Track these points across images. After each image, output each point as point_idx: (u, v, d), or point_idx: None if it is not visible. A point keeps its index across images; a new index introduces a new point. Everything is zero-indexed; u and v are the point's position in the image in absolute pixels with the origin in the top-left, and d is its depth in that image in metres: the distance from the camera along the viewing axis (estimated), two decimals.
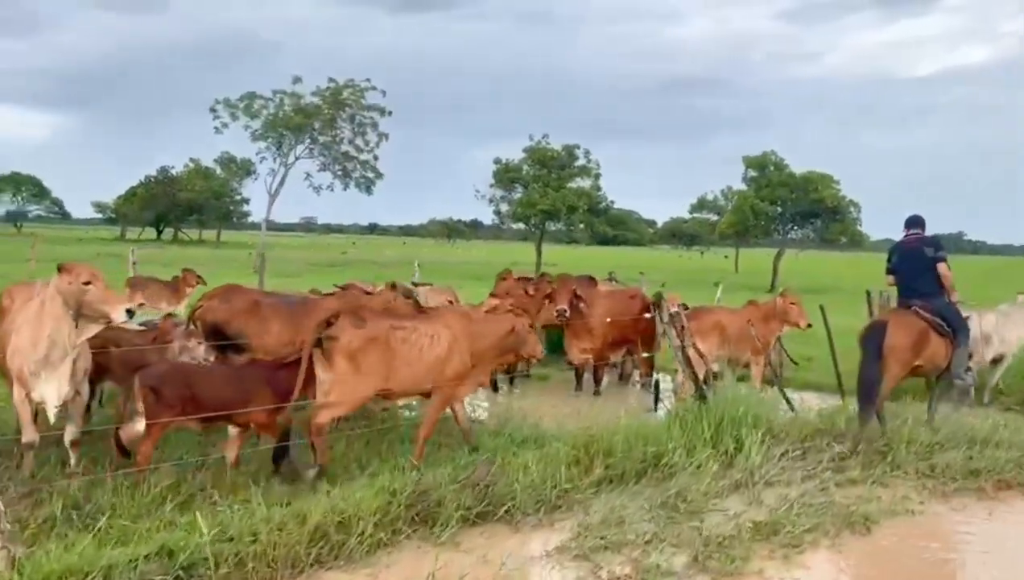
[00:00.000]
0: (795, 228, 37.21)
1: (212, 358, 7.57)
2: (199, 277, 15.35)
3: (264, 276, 19.10)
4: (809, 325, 10.84)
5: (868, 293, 11.74)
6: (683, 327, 8.82)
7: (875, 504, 6.75)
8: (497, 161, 36.43)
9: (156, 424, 6.09)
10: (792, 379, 12.88)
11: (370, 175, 38.34)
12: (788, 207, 35.76)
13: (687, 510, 6.41)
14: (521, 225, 37.15)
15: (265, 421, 6.45)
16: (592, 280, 11.83)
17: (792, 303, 10.82)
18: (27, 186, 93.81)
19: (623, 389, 12.11)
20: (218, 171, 73.47)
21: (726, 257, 54.03)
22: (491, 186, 36.35)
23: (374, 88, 37.19)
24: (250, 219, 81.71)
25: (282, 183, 36.36)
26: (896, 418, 8.92)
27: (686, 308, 12.17)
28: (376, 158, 37.54)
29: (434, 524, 5.77)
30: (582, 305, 10.74)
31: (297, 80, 36.40)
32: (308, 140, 37.92)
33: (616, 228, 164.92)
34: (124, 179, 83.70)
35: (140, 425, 6.15)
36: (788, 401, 9.80)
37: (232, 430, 6.57)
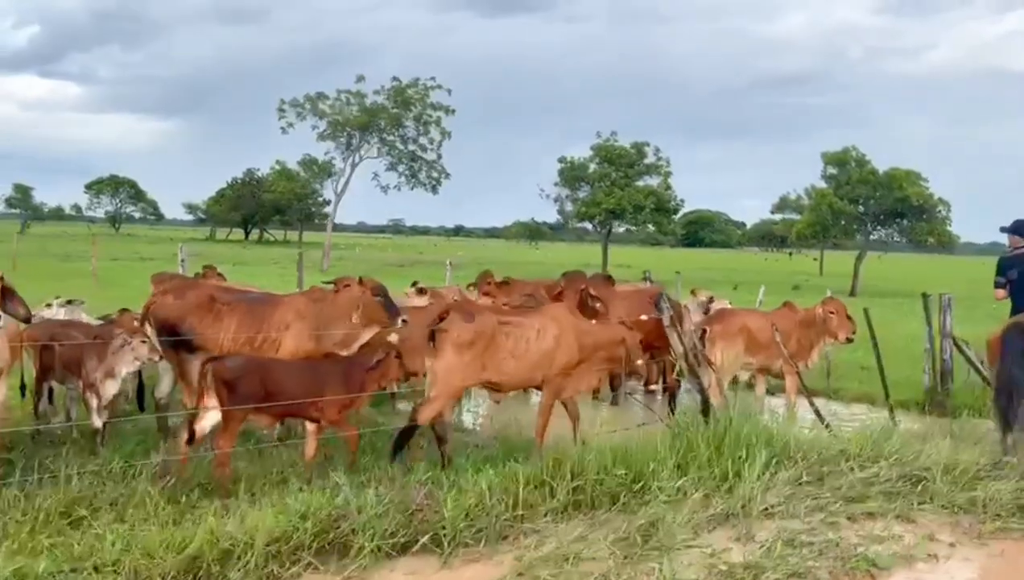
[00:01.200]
0: (879, 228, 35.02)
1: (157, 358, 7.01)
2: (219, 274, 15.00)
3: (303, 274, 18.66)
4: (850, 339, 9.74)
5: (924, 296, 10.47)
6: (702, 332, 7.92)
7: (891, 544, 5.66)
8: (562, 160, 35.56)
9: (233, 419, 6.08)
10: (844, 390, 11.70)
11: (435, 174, 37.90)
12: (871, 206, 33.64)
13: (657, 545, 5.47)
14: (587, 225, 36.04)
15: (336, 417, 6.45)
16: (608, 279, 10.89)
17: (832, 313, 9.71)
18: (125, 188, 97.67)
19: (649, 399, 11.13)
20: (301, 173, 74.71)
21: (815, 259, 51.58)
22: (555, 185, 35.44)
23: (439, 87, 36.82)
24: (324, 220, 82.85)
25: (347, 183, 36.33)
26: (937, 437, 7.76)
27: (706, 311, 11.18)
28: (439, 157, 37.10)
29: (347, 555, 5.01)
30: (598, 305, 9.81)
31: (360, 79, 36.32)
32: (376, 139, 37.78)
33: (703, 229, 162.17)
34: (217, 181, 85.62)
35: (212, 418, 6.20)
36: (820, 416, 8.67)
37: (308, 425, 6.59)
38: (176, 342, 7.23)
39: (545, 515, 5.79)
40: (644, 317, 8.51)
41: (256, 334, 7.29)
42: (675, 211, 36.53)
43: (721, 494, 6.28)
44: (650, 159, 35.48)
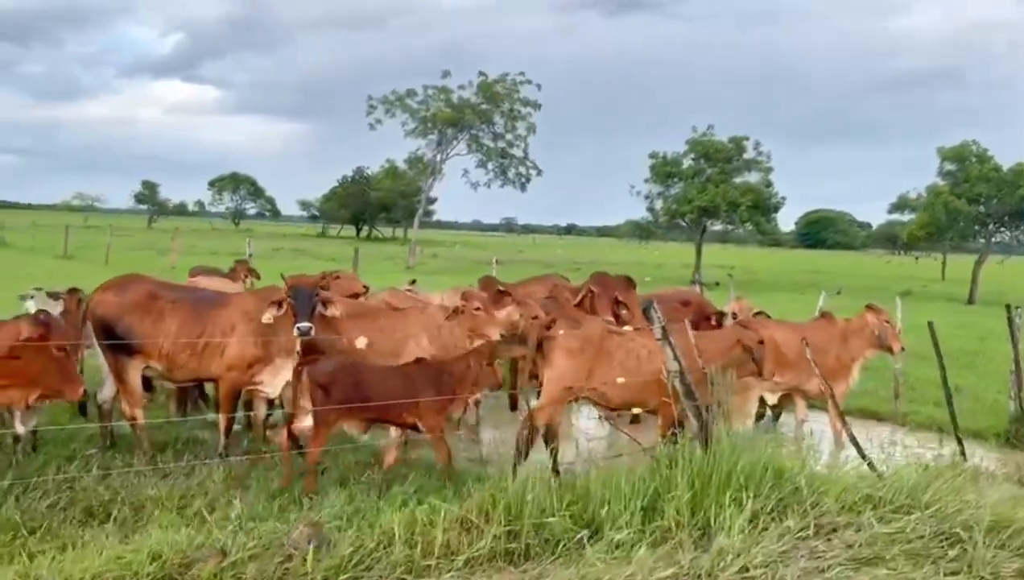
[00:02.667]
0: (1002, 230, 31.86)
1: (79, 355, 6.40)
2: (251, 269, 14.58)
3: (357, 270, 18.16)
4: (902, 348, 8.40)
5: (1009, 308, 8.88)
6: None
7: None
8: (654, 155, 33.95)
9: (325, 421, 6.10)
10: (915, 415, 10.15)
11: (524, 171, 37.04)
12: (992, 206, 30.59)
13: None
14: (680, 222, 34.31)
15: (432, 422, 6.31)
16: (629, 281, 9.73)
17: (886, 321, 8.37)
18: (245, 186, 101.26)
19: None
20: (407, 171, 75.31)
21: (941, 262, 47.43)
22: (646, 181, 33.89)
23: (529, 81, 35.91)
24: (435, 218, 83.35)
25: (432, 181, 35.91)
26: (1007, 480, 6.33)
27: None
28: (526, 154, 36.18)
29: None
30: (624, 312, 8.73)
31: (446, 74, 35.81)
32: (467, 136, 37.26)
33: (825, 230, 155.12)
34: (334, 180, 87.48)
35: (309, 421, 6.23)
36: (858, 446, 7.32)
37: (393, 431, 6.65)
38: (113, 343, 6.62)
39: (465, 564, 4.83)
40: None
41: (199, 337, 6.59)
42: (776, 209, 34.32)
43: (692, 548, 5.15)
44: (750, 154, 33.52)
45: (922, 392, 10.98)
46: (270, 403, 7.39)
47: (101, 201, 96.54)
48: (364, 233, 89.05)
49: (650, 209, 34.55)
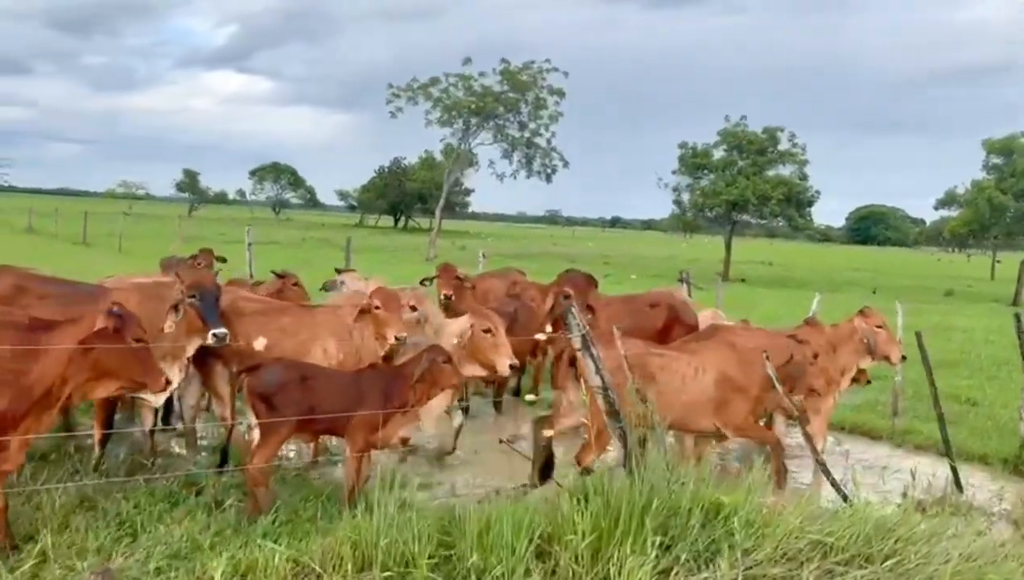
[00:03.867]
0: None
1: None
2: (220, 258, 13.90)
3: (350, 258, 17.35)
4: (903, 357, 7.39)
5: (1018, 318, 7.76)
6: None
7: None
8: (683, 145, 32.65)
9: (271, 436, 5.45)
10: (916, 435, 8.98)
11: (550, 162, 36.01)
12: None
13: None
14: (708, 215, 32.97)
15: (363, 439, 5.54)
16: (590, 280, 8.77)
17: (879, 326, 7.37)
18: (285, 175, 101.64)
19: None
20: (443, 162, 74.78)
21: (999, 261, 45.02)
22: (674, 173, 32.61)
23: (555, 69, 34.83)
24: (470, 209, 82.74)
25: (449, 171, 35.07)
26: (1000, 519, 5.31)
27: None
28: (549, 142, 35.10)
29: None
30: (590, 317, 7.81)
31: (467, 61, 34.89)
32: (492, 125, 36.35)
33: (875, 226, 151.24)
34: (371, 170, 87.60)
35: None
36: (830, 476, 6.31)
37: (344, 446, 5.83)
38: None
39: None
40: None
41: None
42: (810, 203, 32.77)
43: None
44: (784, 145, 32.05)
45: (926, 407, 9.82)
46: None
47: (145, 189, 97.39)
48: (401, 223, 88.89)
49: (677, 202, 33.30)
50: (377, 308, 6.74)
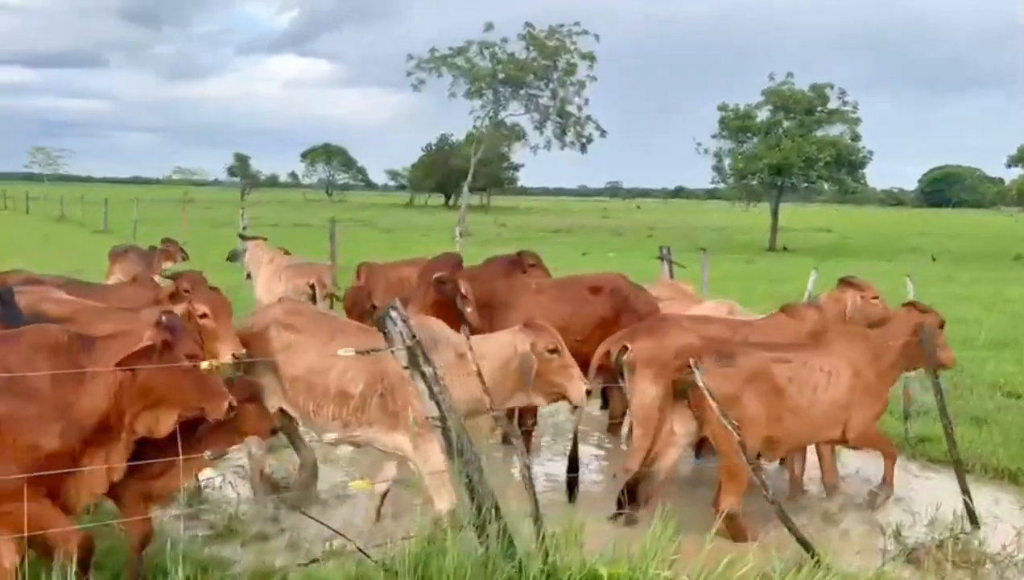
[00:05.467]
0: None
1: None
2: (180, 250, 12.69)
3: (335, 246, 16.00)
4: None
5: None
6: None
7: None
8: (723, 107, 30.39)
9: None
10: (933, 442, 7.15)
11: (585, 132, 34.09)
12: None
13: None
14: (751, 181, 30.66)
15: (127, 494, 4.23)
16: (515, 263, 7.15)
17: (874, 298, 6.01)
18: (337, 157, 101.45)
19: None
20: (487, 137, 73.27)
21: None
22: (713, 137, 30.41)
23: (585, 32, 32.83)
24: (519, 184, 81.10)
25: (479, 143, 33.56)
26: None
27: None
28: (580, 110, 33.14)
29: None
30: (468, 308, 6.29)
31: (489, 27, 33.05)
32: (524, 95, 34.59)
33: (951, 187, 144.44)
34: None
35: None
36: (789, 523, 4.69)
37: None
38: None
39: None
40: None
41: None
42: (862, 165, 30.20)
43: None
44: (834, 104, 29.58)
45: (964, 405, 7.98)
46: None
47: (200, 175, 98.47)
48: (451, 201, 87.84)
49: (716, 168, 31.09)
50: (203, 316, 5.34)
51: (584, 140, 34.98)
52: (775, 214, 31.10)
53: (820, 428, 5.39)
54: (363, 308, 8.63)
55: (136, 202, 28.44)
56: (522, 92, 34.57)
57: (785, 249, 30.46)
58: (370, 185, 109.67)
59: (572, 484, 5.61)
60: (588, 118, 35.07)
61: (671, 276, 9.01)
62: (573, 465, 5.64)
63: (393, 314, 3.89)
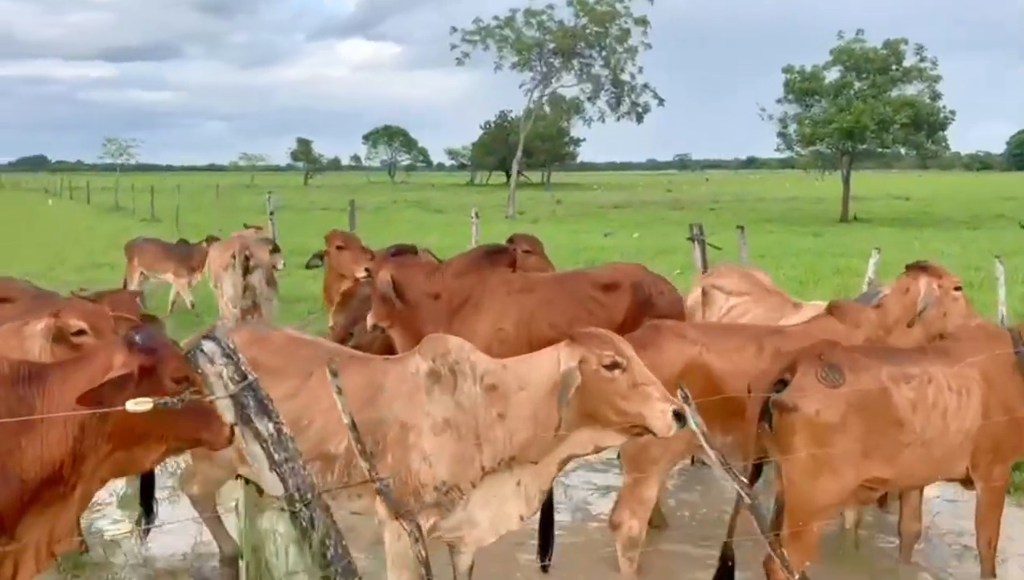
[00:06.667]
0: None
1: None
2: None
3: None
4: None
5: None
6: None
7: None
8: (788, 69, 28.27)
9: None
10: None
11: (641, 100, 32.32)
12: None
13: None
14: (821, 148, 28.51)
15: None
16: (497, 253, 5.77)
17: (956, 289, 4.66)
18: (397, 138, 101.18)
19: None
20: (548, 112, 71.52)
21: None
22: (778, 102, 28.32)
23: None
24: (581, 160, 79.21)
25: (528, 117, 32.23)
26: None
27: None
28: (633, 78, 31.36)
29: None
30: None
31: None
32: (575, 65, 32.98)
33: None
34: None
35: None
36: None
37: None
38: None
39: None
40: None
41: None
42: (942, 126, 27.77)
43: None
44: (910, 61, 27.22)
45: None
46: None
47: (265, 160, 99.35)
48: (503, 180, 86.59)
49: (782, 134, 28.98)
50: (81, 332, 4.18)
51: (640, 109, 33.25)
52: (847, 182, 28.93)
53: (943, 466, 4.04)
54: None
55: (178, 189, 27.97)
56: (573, 62, 32.96)
57: (856, 219, 28.36)
58: (430, 165, 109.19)
59: (545, 545, 4.29)
60: (645, 86, 33.34)
61: (703, 260, 7.55)
62: (547, 518, 4.31)
63: (208, 347, 2.62)
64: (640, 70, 32.70)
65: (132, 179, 64.95)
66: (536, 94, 34.06)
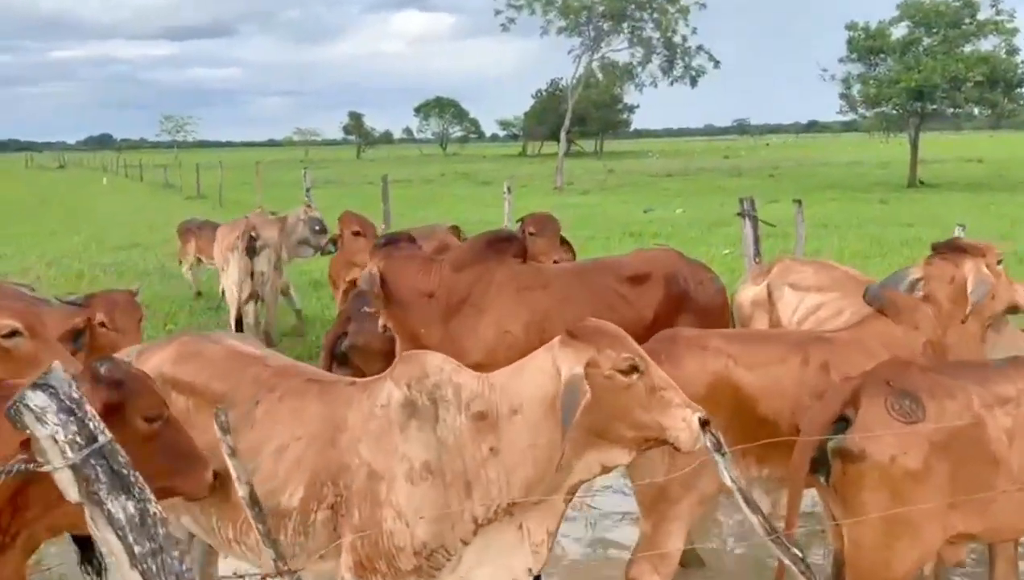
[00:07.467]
0: None
1: None
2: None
3: (388, 206, 14.15)
4: None
5: None
6: None
7: None
8: (851, 26, 26.65)
9: None
10: None
11: (695, 63, 30.98)
12: None
13: None
14: (886, 110, 26.91)
15: None
16: (504, 241, 4.95)
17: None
18: (449, 110, 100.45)
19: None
20: (601, 79, 69.89)
21: None
22: (841, 61, 26.74)
23: None
24: (633, 127, 77.46)
25: (578, 83, 31.26)
26: None
27: None
28: (686, 39, 29.97)
29: None
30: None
31: None
32: (626, 28, 31.76)
33: None
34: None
35: None
36: None
37: None
38: None
39: None
40: None
41: None
42: (1020, 83, 25.88)
43: None
44: (985, 13, 25.39)
45: None
46: None
47: (319, 135, 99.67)
48: (564, 148, 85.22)
49: (844, 96, 27.40)
50: (13, 333, 3.54)
51: (694, 73, 31.92)
52: (914, 145, 27.29)
53: None
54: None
55: (220, 165, 27.70)
56: (623, 25, 31.74)
57: (922, 184, 26.77)
58: (483, 137, 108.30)
59: None
60: (699, 48, 31.97)
61: (755, 240, 6.64)
62: None
63: (37, 402, 1.90)
64: (694, 31, 31.42)
65: (190, 156, 65.67)
66: (585, 60, 32.96)
